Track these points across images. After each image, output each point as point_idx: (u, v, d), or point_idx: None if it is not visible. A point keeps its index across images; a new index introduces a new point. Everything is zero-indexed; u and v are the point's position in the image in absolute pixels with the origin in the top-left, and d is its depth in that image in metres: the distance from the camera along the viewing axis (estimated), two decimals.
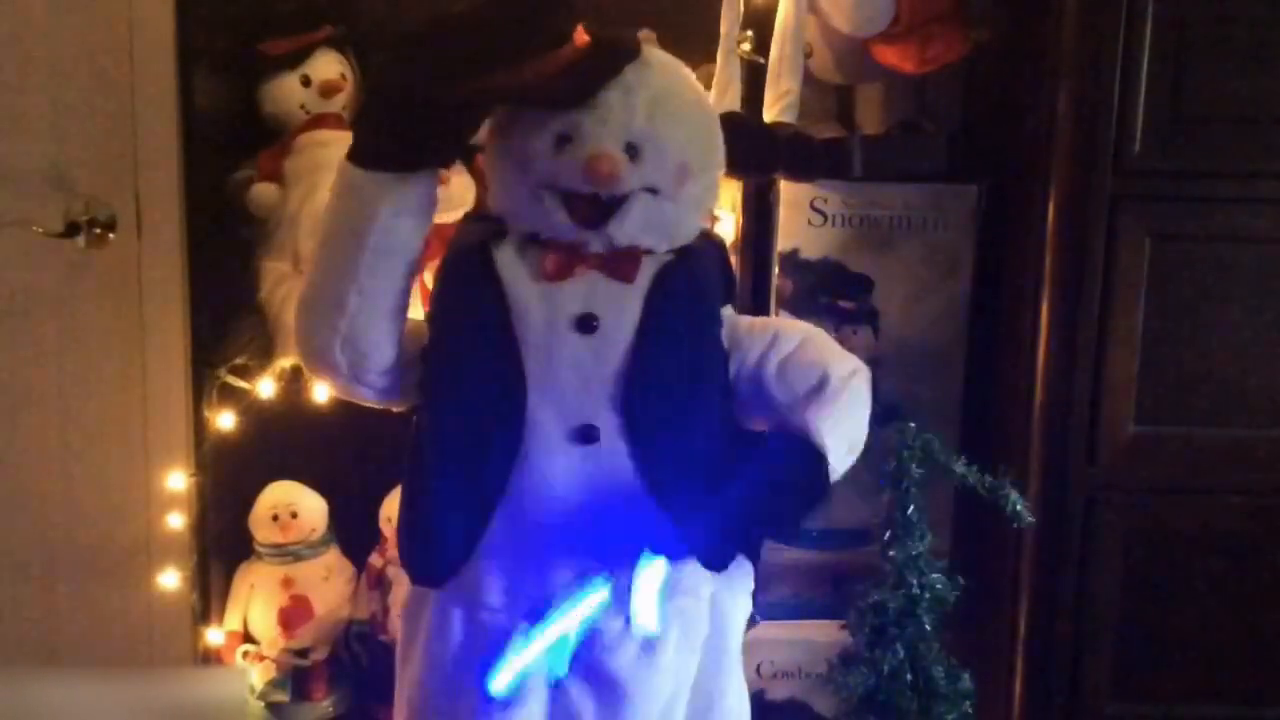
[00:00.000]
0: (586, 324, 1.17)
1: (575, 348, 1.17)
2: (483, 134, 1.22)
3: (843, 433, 1.20)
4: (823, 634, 1.69)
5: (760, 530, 1.26)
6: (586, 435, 1.17)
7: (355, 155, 1.17)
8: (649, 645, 1.22)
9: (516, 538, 1.18)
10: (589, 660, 1.21)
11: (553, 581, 1.18)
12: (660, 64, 1.19)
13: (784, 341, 1.23)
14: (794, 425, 1.18)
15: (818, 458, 1.16)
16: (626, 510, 1.19)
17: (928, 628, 1.54)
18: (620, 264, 1.18)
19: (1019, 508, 1.50)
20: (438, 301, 1.23)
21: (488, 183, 1.24)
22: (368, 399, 1.26)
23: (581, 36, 1.16)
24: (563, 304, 1.17)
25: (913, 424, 1.53)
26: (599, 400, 1.17)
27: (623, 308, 1.18)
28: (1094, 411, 1.56)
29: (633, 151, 1.15)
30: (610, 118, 1.14)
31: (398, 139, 1.14)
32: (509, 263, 1.18)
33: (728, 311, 1.26)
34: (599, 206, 1.16)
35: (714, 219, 1.64)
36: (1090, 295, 1.54)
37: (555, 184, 1.16)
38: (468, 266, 1.20)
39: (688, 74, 1.23)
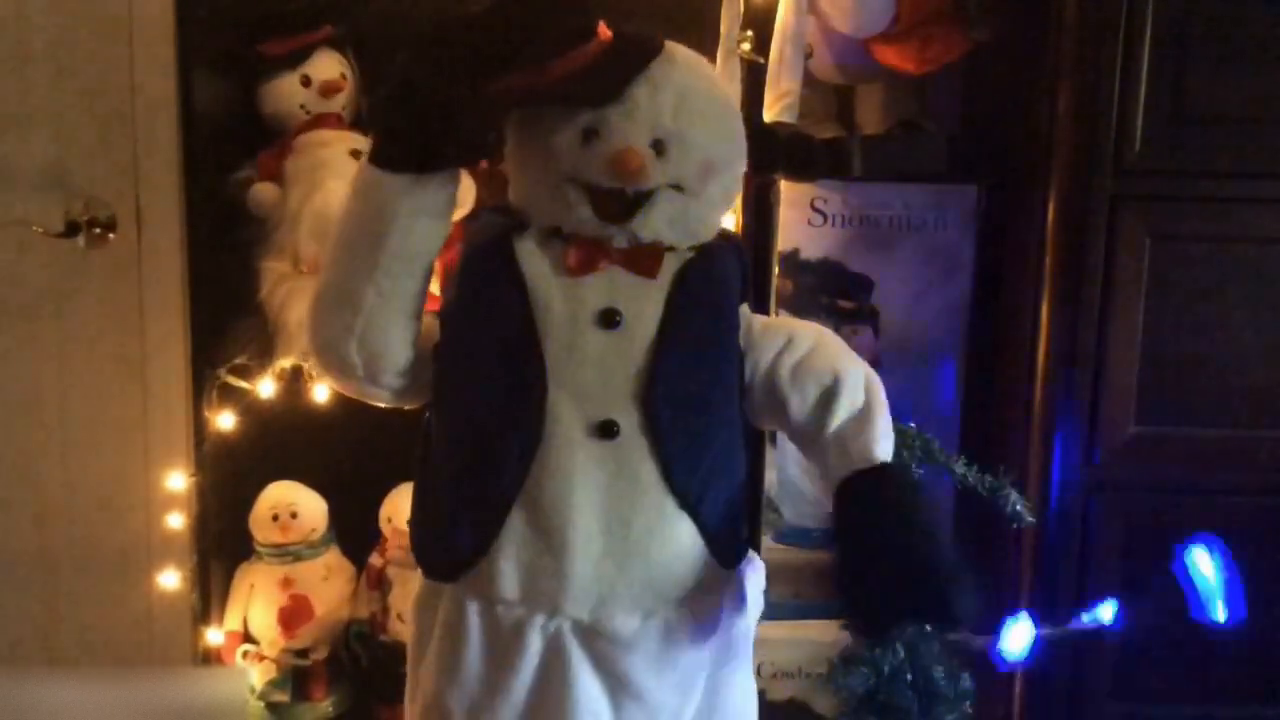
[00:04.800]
0: (609, 319, 1.16)
1: (597, 343, 1.16)
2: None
3: (887, 441, 1.23)
4: (823, 634, 1.69)
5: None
6: (607, 430, 1.16)
7: (375, 156, 1.16)
8: (665, 644, 1.22)
9: (533, 532, 1.18)
10: (603, 657, 1.21)
11: (569, 577, 1.18)
12: (686, 61, 1.19)
13: (798, 344, 1.23)
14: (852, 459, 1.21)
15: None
16: (644, 506, 1.19)
17: (927, 628, 1.54)
18: (643, 260, 1.18)
19: (1019, 508, 1.50)
20: (456, 295, 1.23)
21: (509, 175, 1.23)
22: (381, 399, 1.26)
23: (604, 33, 1.16)
24: (585, 299, 1.17)
25: (912, 424, 1.53)
26: (620, 396, 1.17)
27: (645, 304, 1.17)
28: (1094, 411, 1.56)
29: (659, 148, 1.15)
30: (637, 113, 1.14)
31: (418, 140, 1.14)
32: (531, 257, 1.18)
33: (744, 311, 1.26)
34: (624, 201, 1.16)
35: None
36: (1090, 295, 1.54)
37: (580, 178, 1.15)
38: (489, 260, 1.19)
39: (712, 71, 1.24)
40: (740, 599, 1.28)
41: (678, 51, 1.19)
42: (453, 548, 1.21)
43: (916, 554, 1.15)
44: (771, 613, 1.43)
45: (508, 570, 1.19)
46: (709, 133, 1.18)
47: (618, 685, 1.22)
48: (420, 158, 1.14)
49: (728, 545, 1.24)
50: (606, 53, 1.15)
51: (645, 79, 1.15)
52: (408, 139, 1.14)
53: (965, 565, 1.16)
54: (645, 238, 1.17)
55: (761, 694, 1.70)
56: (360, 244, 1.18)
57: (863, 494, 1.19)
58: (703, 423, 1.20)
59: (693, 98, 1.16)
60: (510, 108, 1.18)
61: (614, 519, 1.18)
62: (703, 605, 1.24)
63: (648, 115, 1.14)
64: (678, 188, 1.17)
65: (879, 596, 1.16)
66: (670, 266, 1.19)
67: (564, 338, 1.16)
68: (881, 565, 1.15)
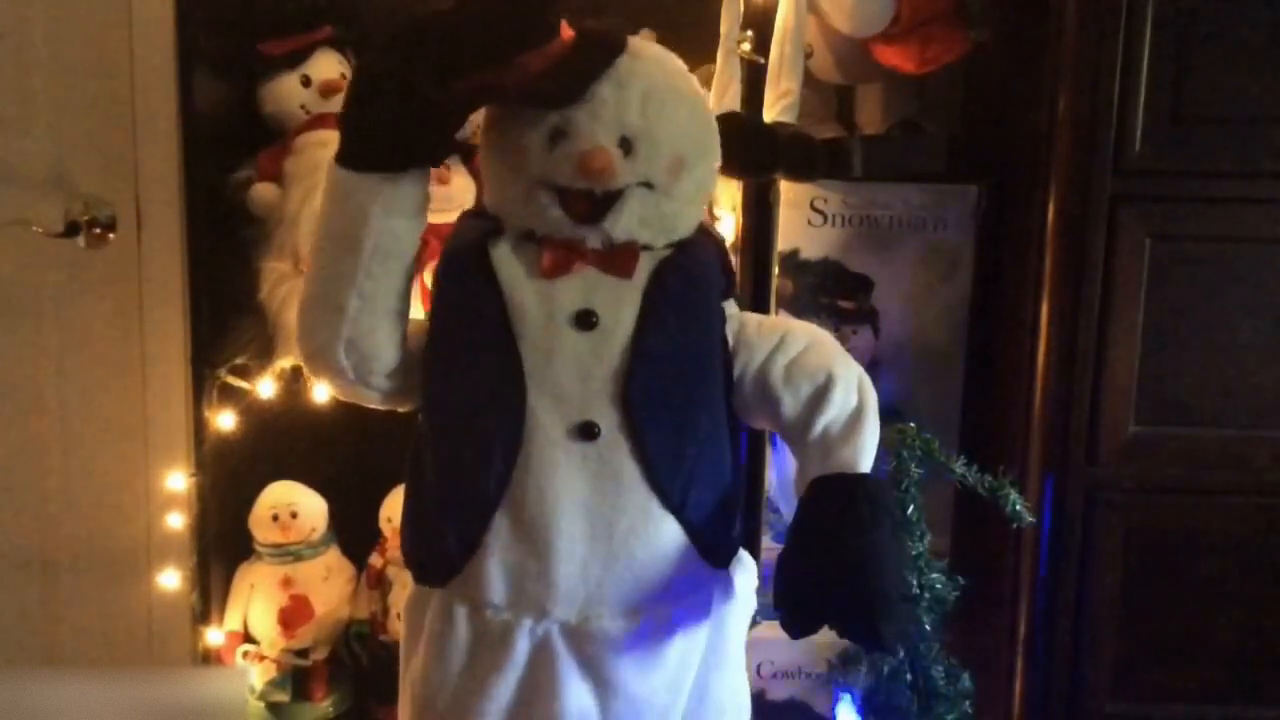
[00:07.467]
0: (585, 320, 1.16)
1: (574, 344, 1.16)
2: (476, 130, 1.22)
3: (870, 452, 1.22)
4: (823, 634, 1.68)
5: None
6: (587, 432, 1.16)
7: (342, 157, 1.16)
8: (652, 643, 1.22)
9: (518, 536, 1.18)
10: (590, 659, 1.21)
11: (555, 579, 1.18)
12: (652, 57, 1.19)
13: (791, 344, 1.23)
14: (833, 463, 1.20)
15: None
16: (628, 507, 1.18)
17: (928, 628, 1.54)
18: (617, 260, 1.17)
19: (1019, 508, 1.50)
20: (436, 301, 1.23)
21: (482, 180, 1.23)
22: (373, 401, 1.26)
23: (566, 31, 1.15)
24: (561, 301, 1.16)
25: (912, 424, 1.53)
26: (599, 397, 1.16)
27: (621, 304, 1.17)
28: (1094, 411, 1.56)
29: (627, 146, 1.15)
30: (603, 112, 1.14)
31: (385, 139, 1.14)
32: (506, 260, 1.18)
33: (736, 310, 1.26)
34: (594, 202, 1.15)
35: (714, 218, 1.64)
36: (1090, 295, 1.54)
37: (549, 180, 1.15)
38: (465, 264, 1.19)
39: (679, 65, 1.22)
40: (730, 598, 1.28)
41: (643, 47, 1.19)
42: (440, 552, 1.21)
43: (862, 571, 1.15)
44: (772, 613, 1.43)
45: (494, 574, 1.19)
46: (677, 128, 1.17)
47: (605, 686, 1.21)
48: (387, 157, 1.14)
49: (716, 544, 1.24)
50: (570, 52, 1.14)
51: (610, 77, 1.14)
52: (374, 139, 1.14)
53: (904, 597, 1.15)
54: (619, 237, 1.17)
55: (761, 694, 1.71)
56: (337, 247, 1.18)
57: (832, 497, 1.19)
58: (684, 422, 1.19)
59: (659, 93, 1.16)
60: (475, 107, 1.17)
61: (598, 521, 1.18)
62: (691, 605, 1.24)
63: (614, 114, 1.14)
64: (648, 185, 1.16)
65: (812, 599, 1.16)
66: (646, 265, 1.18)
67: (541, 340, 1.16)
68: (825, 570, 1.16)
